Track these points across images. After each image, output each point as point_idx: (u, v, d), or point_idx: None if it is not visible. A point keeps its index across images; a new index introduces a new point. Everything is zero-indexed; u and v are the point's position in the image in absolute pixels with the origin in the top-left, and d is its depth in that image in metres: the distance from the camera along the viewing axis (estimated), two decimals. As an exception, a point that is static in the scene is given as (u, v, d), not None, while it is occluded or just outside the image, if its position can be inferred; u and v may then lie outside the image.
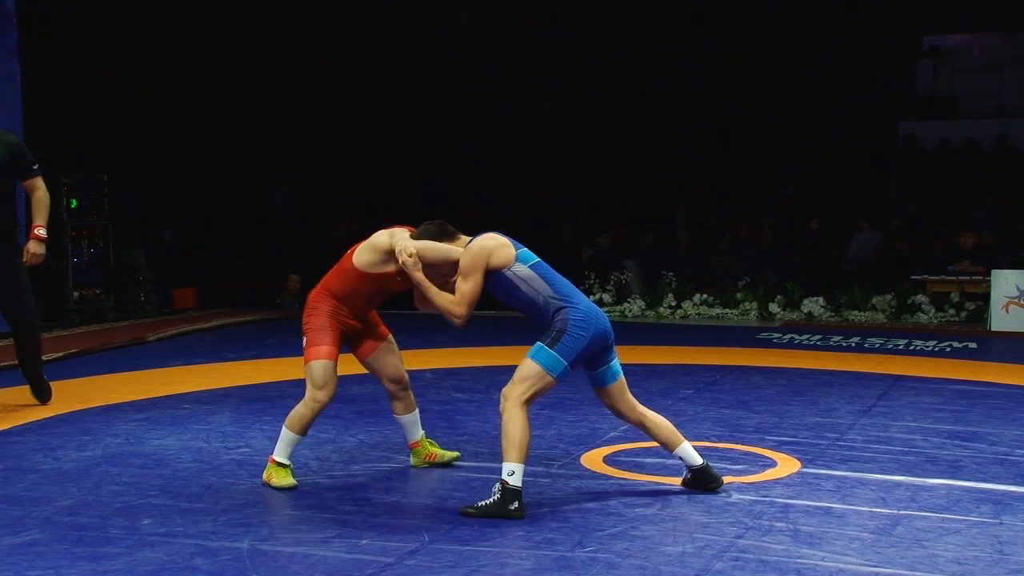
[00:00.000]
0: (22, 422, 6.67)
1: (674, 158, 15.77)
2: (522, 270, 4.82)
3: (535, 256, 4.94)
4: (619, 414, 5.10)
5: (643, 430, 5.08)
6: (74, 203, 11.77)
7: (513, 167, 15.55)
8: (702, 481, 5.04)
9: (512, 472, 4.65)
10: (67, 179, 11.72)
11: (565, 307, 4.80)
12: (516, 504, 4.63)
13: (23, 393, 7.39)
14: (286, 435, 5.15)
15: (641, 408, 5.07)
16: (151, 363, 9.08)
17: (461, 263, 4.78)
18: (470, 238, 4.94)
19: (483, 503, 4.69)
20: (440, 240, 4.92)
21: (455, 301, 4.76)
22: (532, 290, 4.83)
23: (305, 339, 5.19)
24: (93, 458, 5.78)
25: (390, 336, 5.42)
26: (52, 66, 12.16)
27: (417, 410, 5.52)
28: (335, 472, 5.49)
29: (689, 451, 5.04)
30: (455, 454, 5.62)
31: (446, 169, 15.13)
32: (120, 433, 6.37)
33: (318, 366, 5.08)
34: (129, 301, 12.40)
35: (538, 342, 4.81)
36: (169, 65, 14.16)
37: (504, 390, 4.78)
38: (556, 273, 4.93)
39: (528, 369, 4.76)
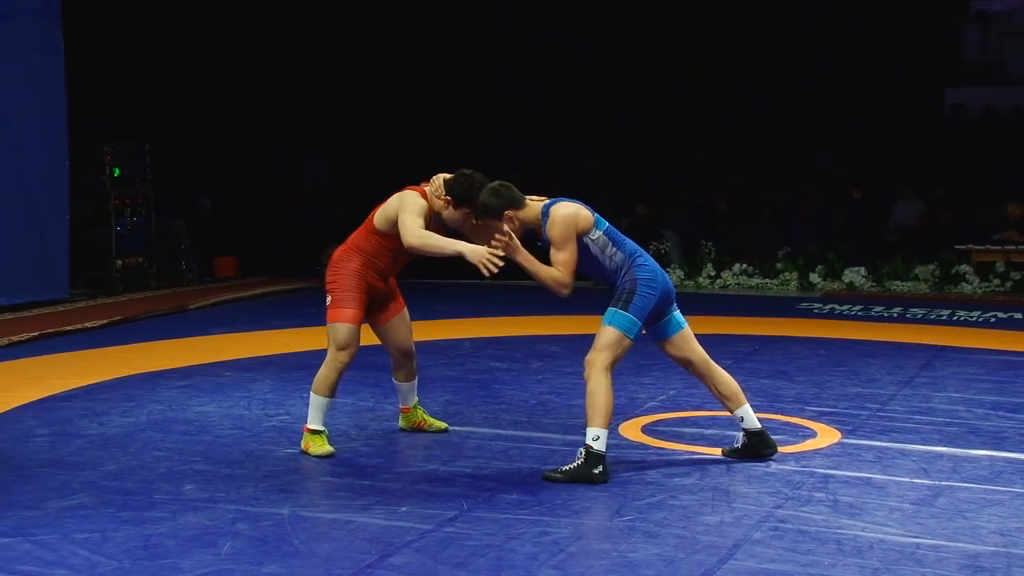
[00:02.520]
0: (67, 388, 6.77)
1: (713, 127, 15.62)
2: (598, 236, 4.89)
3: (603, 219, 4.99)
4: (687, 364, 5.12)
5: (707, 383, 5.11)
6: (117, 172, 11.88)
7: (551, 134, 15.47)
8: (758, 447, 5.02)
9: (597, 437, 4.72)
10: (110, 148, 11.83)
11: (632, 267, 4.89)
12: (600, 468, 4.71)
13: (67, 359, 7.50)
14: (314, 400, 5.21)
15: (709, 360, 5.11)
16: (193, 331, 9.18)
17: (553, 234, 4.80)
18: (544, 200, 4.94)
19: (567, 467, 4.76)
20: (503, 206, 4.85)
21: (559, 274, 4.79)
22: (604, 255, 4.90)
23: (330, 298, 5.26)
24: (137, 424, 5.86)
25: (405, 308, 5.50)
26: (95, 35, 12.23)
27: (416, 379, 5.60)
28: (375, 440, 5.53)
29: (751, 414, 5.05)
30: (444, 425, 5.68)
31: (486, 138, 15.10)
32: (163, 400, 6.45)
33: (342, 328, 5.16)
34: (171, 269, 12.52)
35: (611, 307, 4.86)
36: (211, 35, 14.20)
37: (588, 357, 4.85)
38: (621, 234, 5.00)
39: (609, 336, 4.83)
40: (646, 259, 4.96)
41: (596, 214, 4.95)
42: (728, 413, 5.13)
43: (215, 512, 4.37)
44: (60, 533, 4.12)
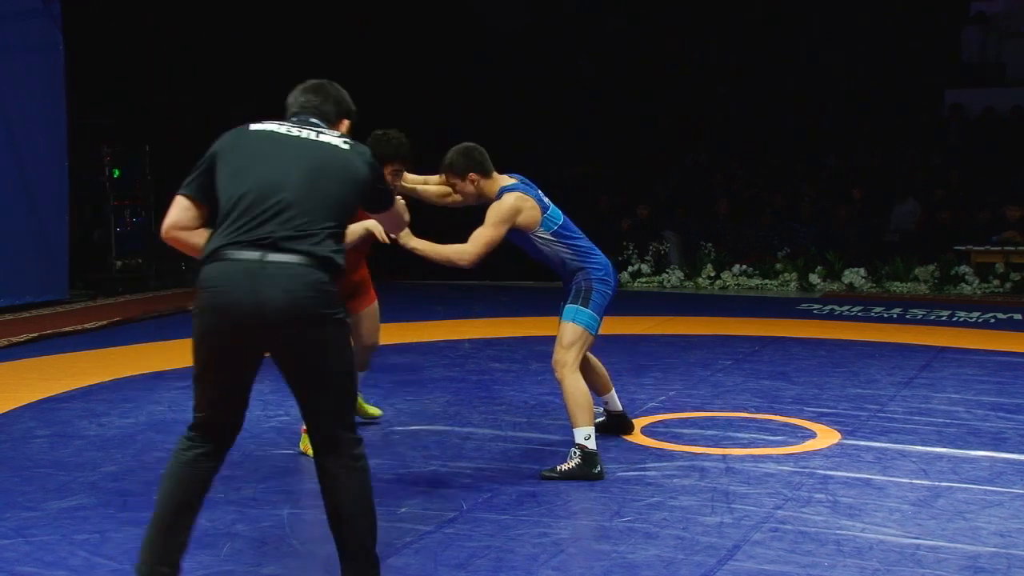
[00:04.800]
0: (66, 389, 6.77)
1: (714, 128, 15.62)
2: (546, 237, 4.96)
3: (561, 216, 5.05)
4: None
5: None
6: (117, 173, 11.88)
7: (552, 137, 15.48)
8: (617, 426, 5.49)
9: (588, 436, 4.81)
10: (110, 149, 11.82)
11: (585, 267, 4.99)
12: (598, 467, 4.79)
13: (67, 360, 7.50)
14: None
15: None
16: (192, 332, 9.16)
17: (490, 213, 4.87)
18: (510, 177, 5.01)
19: (563, 467, 4.81)
20: (469, 168, 4.92)
21: (465, 246, 4.82)
22: (552, 251, 5.00)
23: None
24: (136, 425, 5.86)
25: (375, 303, 5.58)
26: (95, 35, 12.23)
27: (366, 371, 5.72)
28: (373, 442, 5.53)
29: (615, 399, 5.49)
30: (378, 412, 5.88)
31: (485, 139, 15.09)
32: (162, 400, 6.45)
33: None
34: (171, 270, 12.52)
35: (569, 305, 4.95)
36: (212, 35, 14.20)
37: (555, 358, 4.90)
38: (576, 230, 5.08)
39: (572, 333, 4.90)
40: (599, 257, 5.05)
41: (551, 211, 5.00)
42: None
43: (214, 513, 4.36)
44: (60, 534, 4.12)
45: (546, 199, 5.05)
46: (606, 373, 5.43)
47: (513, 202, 4.87)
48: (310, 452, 5.19)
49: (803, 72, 15.66)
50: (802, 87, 15.60)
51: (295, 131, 3.34)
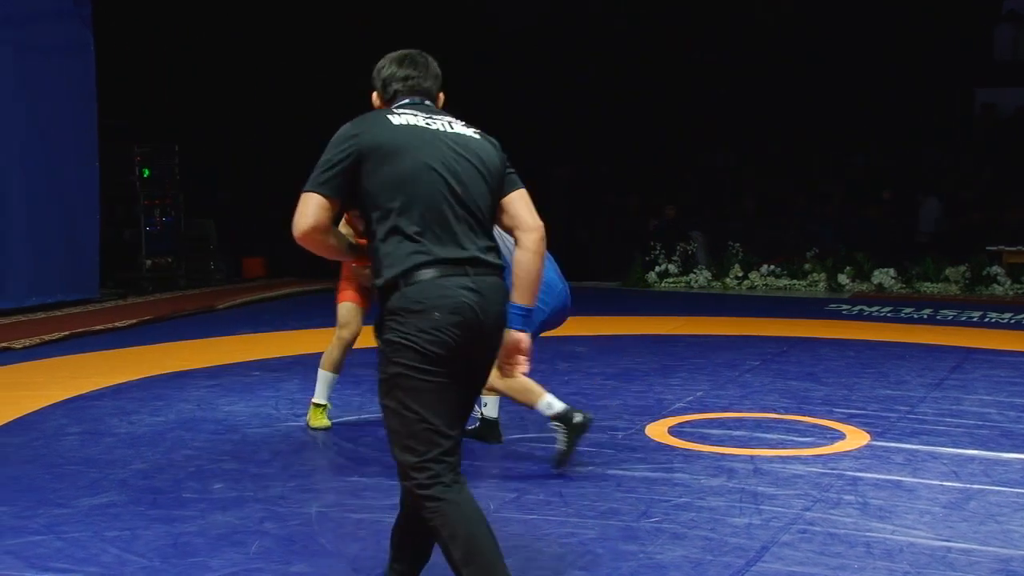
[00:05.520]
0: (97, 387, 6.83)
1: (742, 128, 15.55)
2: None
3: None
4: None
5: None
6: (147, 173, 11.97)
7: (578, 136, 15.45)
8: (484, 433, 5.35)
9: (549, 404, 4.87)
10: (140, 149, 11.92)
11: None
12: (580, 416, 4.85)
13: (97, 358, 7.56)
14: (319, 375, 5.70)
15: None
16: (221, 330, 9.24)
17: None
18: None
19: (561, 446, 4.83)
20: None
21: None
22: (502, 243, 5.01)
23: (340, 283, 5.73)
24: (166, 423, 5.90)
25: None
26: (126, 37, 12.33)
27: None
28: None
29: (495, 404, 5.38)
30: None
31: (503, 139, 15.07)
32: (192, 399, 6.49)
33: (341, 308, 5.64)
34: (200, 269, 12.61)
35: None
36: (243, 35, 14.28)
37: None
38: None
39: None
40: (549, 274, 4.99)
41: None
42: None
43: (243, 511, 4.39)
44: (91, 531, 4.16)
45: None
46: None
47: None
48: (310, 423, 5.61)
49: (832, 71, 15.55)
50: (832, 86, 15.49)
51: (433, 123, 3.13)
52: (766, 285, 12.31)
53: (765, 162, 15.03)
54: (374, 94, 3.30)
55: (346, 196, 3.06)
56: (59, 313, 9.99)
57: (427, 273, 2.97)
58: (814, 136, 15.11)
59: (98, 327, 9.17)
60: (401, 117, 3.11)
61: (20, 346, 8.29)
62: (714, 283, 12.48)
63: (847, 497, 4.53)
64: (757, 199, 14.05)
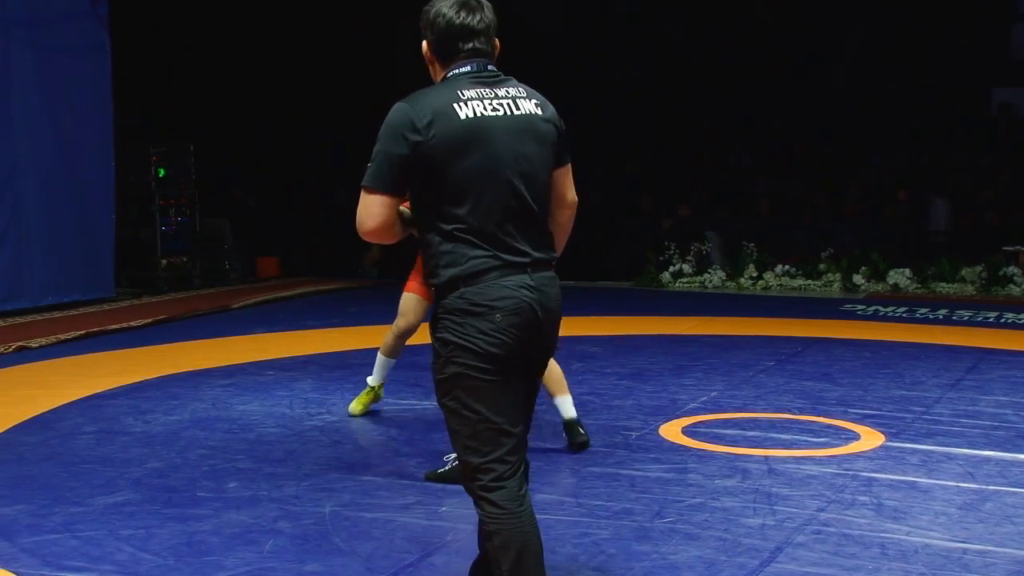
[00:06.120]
0: (113, 386, 6.86)
1: (757, 127, 15.51)
2: None
3: None
4: None
5: None
6: (162, 172, 12.01)
7: (592, 135, 15.44)
8: (568, 434, 5.28)
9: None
10: (156, 149, 11.97)
11: None
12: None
13: (113, 357, 7.59)
14: (377, 358, 5.89)
15: None
16: (236, 330, 9.26)
17: None
18: None
19: (441, 471, 4.82)
20: None
21: None
22: None
23: None
24: (181, 422, 5.93)
25: None
26: (142, 36, 12.37)
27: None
28: (415, 439, 5.55)
29: (565, 404, 5.25)
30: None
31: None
32: (206, 398, 6.52)
33: (404, 296, 5.69)
34: (214, 269, 12.64)
35: None
36: (260, 35, 14.32)
37: None
38: None
39: None
40: None
41: None
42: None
43: (258, 510, 4.40)
44: (106, 529, 4.18)
45: None
46: (559, 375, 5.30)
47: None
48: (357, 410, 5.87)
49: (848, 70, 15.50)
50: (847, 86, 15.45)
51: (499, 108, 2.97)
52: (780, 285, 12.26)
53: (781, 162, 14.98)
54: (424, 44, 3.08)
55: (407, 189, 2.96)
56: (75, 312, 10.03)
57: (489, 275, 2.93)
58: (830, 136, 15.06)
59: (113, 326, 9.21)
60: (467, 106, 2.93)
61: (36, 345, 8.33)
62: (728, 283, 12.44)
63: (862, 498, 4.52)
64: (772, 199, 14.00)
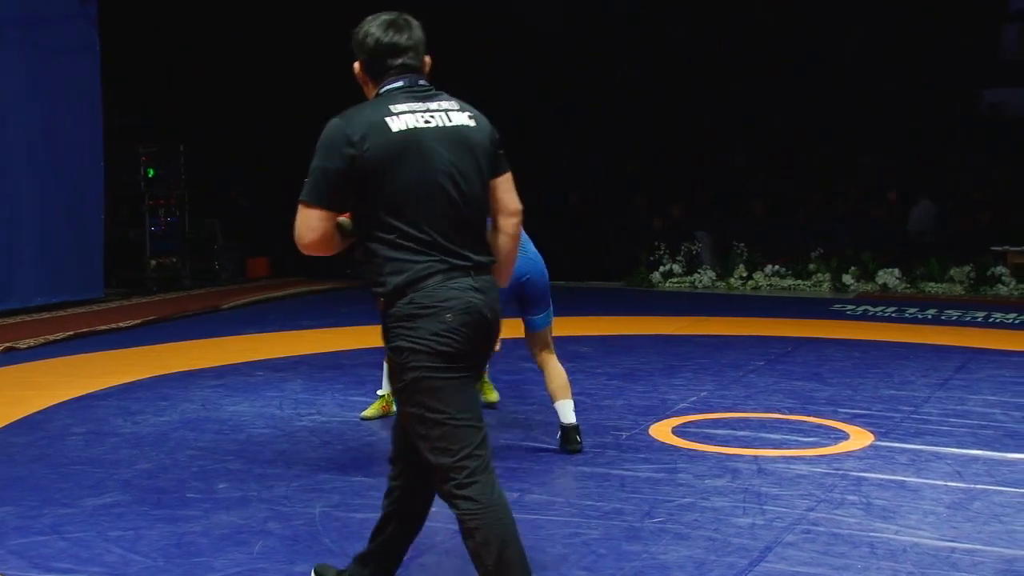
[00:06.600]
0: (102, 387, 6.84)
1: (748, 128, 15.53)
2: None
3: None
4: (532, 356, 5.46)
5: (543, 374, 5.42)
6: (152, 173, 11.99)
7: (592, 135, 15.43)
8: (563, 438, 5.26)
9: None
10: (146, 149, 11.94)
11: None
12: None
13: (102, 358, 7.57)
14: (384, 368, 5.75)
15: (547, 359, 5.36)
16: (226, 331, 9.25)
17: None
18: None
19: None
20: None
21: None
22: None
23: None
24: (171, 423, 5.91)
25: None
26: (131, 36, 12.33)
27: None
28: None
29: (565, 409, 5.25)
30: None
31: (519, 138, 15.04)
32: (196, 399, 6.50)
33: None
34: (204, 269, 12.62)
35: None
36: (249, 35, 14.28)
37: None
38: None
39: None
40: None
41: None
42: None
43: (247, 511, 4.40)
44: (95, 531, 4.17)
45: None
46: (563, 380, 5.35)
47: None
48: (368, 415, 5.80)
49: (839, 71, 15.52)
50: (838, 86, 15.47)
51: (432, 120, 3.04)
52: (770, 285, 12.29)
53: (773, 162, 15.00)
54: (356, 65, 3.17)
55: (344, 203, 3.03)
56: (64, 313, 10.01)
57: (435, 279, 2.99)
58: (821, 136, 15.08)
59: (103, 327, 9.19)
60: (399, 119, 3.02)
61: (25, 346, 8.31)
62: (718, 283, 12.47)
63: (851, 497, 4.53)
64: (765, 199, 14.02)
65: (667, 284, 12.59)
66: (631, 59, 15.81)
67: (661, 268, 12.70)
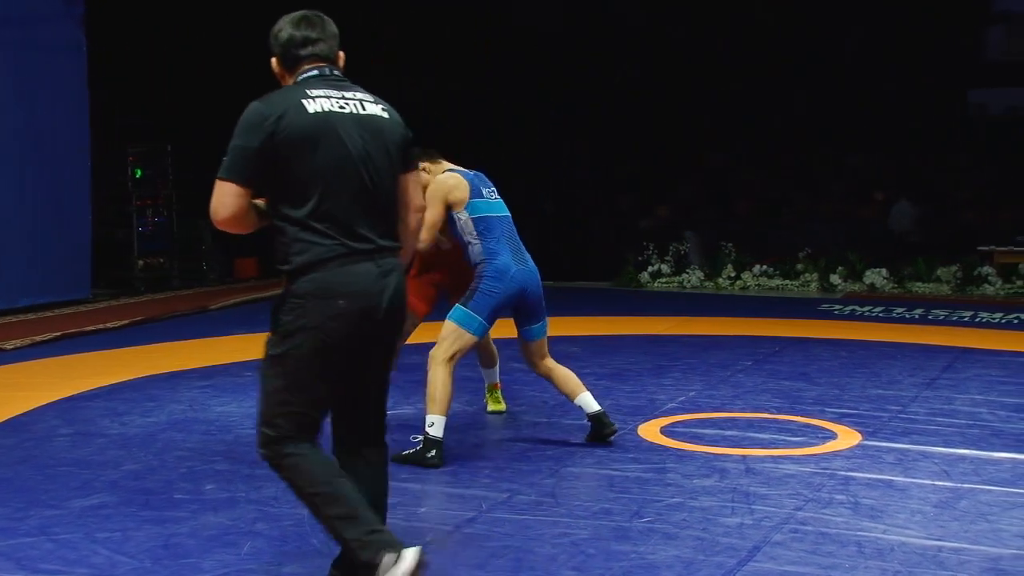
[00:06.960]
0: (89, 388, 6.82)
1: (735, 128, 15.55)
2: (465, 218, 5.15)
3: (491, 209, 5.20)
4: (530, 366, 5.45)
5: (549, 382, 5.43)
6: (139, 173, 11.95)
7: (592, 135, 15.42)
8: (597, 428, 5.31)
9: (432, 424, 4.99)
10: (133, 149, 11.90)
11: (480, 264, 5.14)
12: (433, 453, 4.96)
13: (89, 359, 7.54)
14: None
15: (550, 368, 5.37)
16: (214, 331, 9.23)
17: (427, 192, 5.05)
18: (450, 167, 5.34)
19: (407, 452, 4.99)
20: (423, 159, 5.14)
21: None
22: (464, 237, 5.18)
23: None
24: (158, 424, 5.90)
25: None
26: (118, 36, 12.29)
27: (495, 364, 6.10)
28: (392, 441, 5.53)
29: (588, 399, 5.33)
30: (502, 407, 6.13)
31: (512, 138, 15.03)
32: (184, 400, 6.49)
33: None
34: (192, 270, 12.59)
35: (458, 303, 5.16)
36: (237, 34, 14.23)
37: (431, 351, 5.10)
38: (501, 229, 5.19)
39: (446, 328, 5.11)
40: (499, 262, 5.11)
41: (485, 200, 5.18)
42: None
43: (236, 511, 4.39)
44: (82, 532, 4.15)
45: (486, 192, 5.22)
46: (574, 379, 5.38)
47: (446, 180, 5.17)
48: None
49: (825, 71, 15.56)
50: (824, 86, 15.51)
51: (346, 106, 3.20)
52: (758, 285, 12.33)
53: (760, 162, 15.04)
54: (273, 60, 3.33)
55: (260, 181, 3.14)
56: (51, 314, 9.97)
57: (335, 262, 3.12)
58: (809, 136, 15.11)
59: (90, 328, 9.16)
60: (315, 102, 3.16)
61: (11, 347, 8.28)
62: (707, 283, 12.50)
63: (839, 497, 4.54)
64: (752, 199, 14.06)
65: (655, 284, 12.61)
66: (633, 59, 15.81)
67: (649, 268, 12.73)
